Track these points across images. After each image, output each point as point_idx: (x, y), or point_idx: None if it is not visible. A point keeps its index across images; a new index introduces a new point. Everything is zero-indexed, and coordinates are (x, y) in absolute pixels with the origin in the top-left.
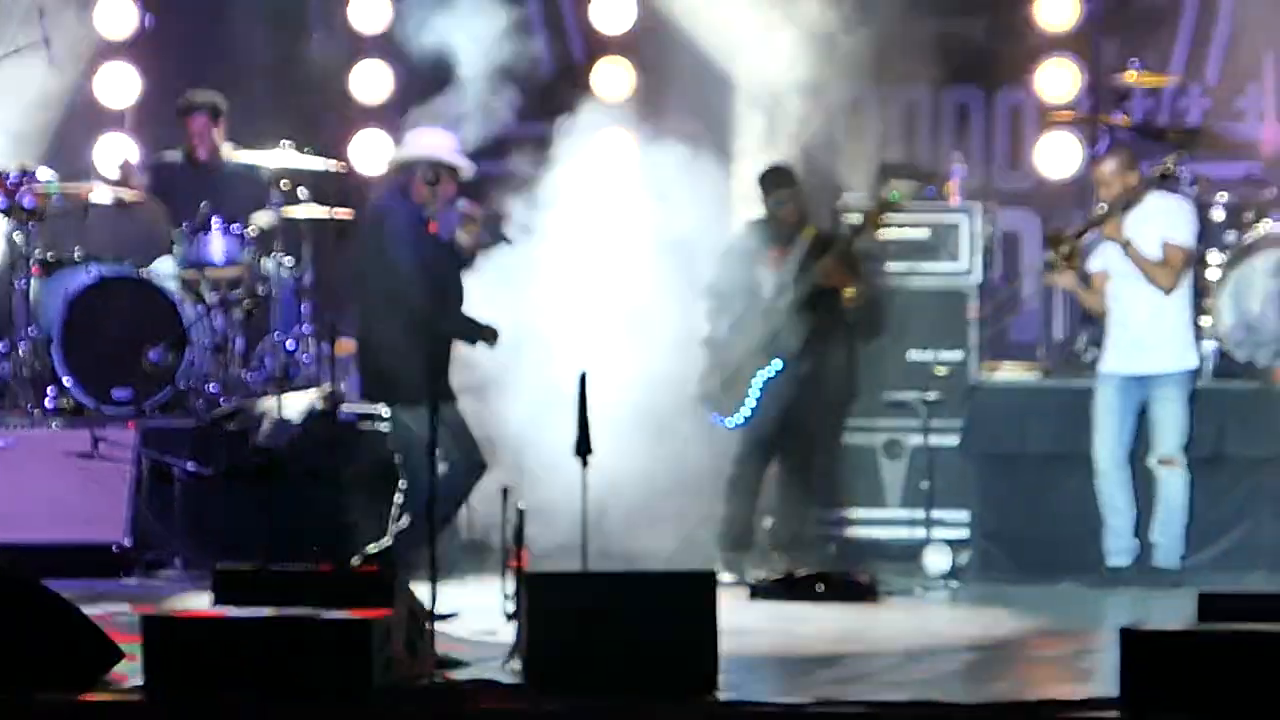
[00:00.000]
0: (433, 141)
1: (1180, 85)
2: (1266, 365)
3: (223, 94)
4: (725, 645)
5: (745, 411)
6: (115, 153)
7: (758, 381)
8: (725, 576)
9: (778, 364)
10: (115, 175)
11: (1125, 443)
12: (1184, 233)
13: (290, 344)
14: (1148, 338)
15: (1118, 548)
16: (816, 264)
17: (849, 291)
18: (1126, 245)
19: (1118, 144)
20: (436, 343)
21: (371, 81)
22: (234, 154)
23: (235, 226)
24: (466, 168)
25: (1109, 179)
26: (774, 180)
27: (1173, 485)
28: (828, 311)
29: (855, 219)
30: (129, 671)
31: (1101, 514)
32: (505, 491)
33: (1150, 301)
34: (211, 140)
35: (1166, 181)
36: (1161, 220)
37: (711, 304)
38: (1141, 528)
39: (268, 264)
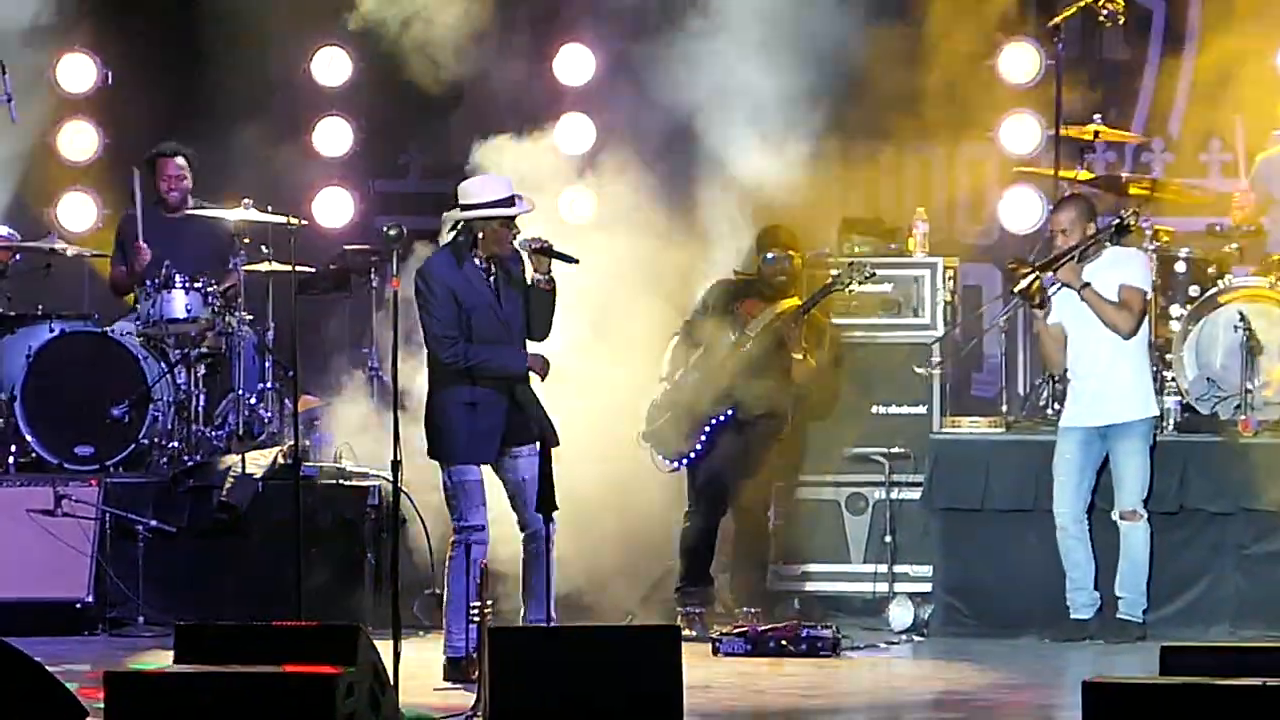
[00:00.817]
0: (482, 192)
1: (1143, 139)
2: (1229, 418)
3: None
4: (690, 701)
5: (690, 453)
6: (80, 210)
7: (706, 426)
8: (686, 632)
9: (728, 411)
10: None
11: (1085, 497)
12: (1140, 277)
13: (253, 400)
14: (1107, 389)
15: (1080, 601)
16: (780, 321)
17: (798, 356)
18: (1084, 288)
19: (1076, 193)
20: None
21: (333, 137)
22: (195, 209)
23: (199, 283)
24: (517, 211)
25: (1068, 227)
26: (770, 239)
27: (1134, 538)
28: (782, 367)
29: (827, 280)
30: None
31: (1064, 568)
32: (468, 548)
33: (1109, 352)
34: (184, 186)
35: (1124, 234)
36: (1118, 269)
37: (676, 344)
38: (1103, 581)
39: (230, 320)
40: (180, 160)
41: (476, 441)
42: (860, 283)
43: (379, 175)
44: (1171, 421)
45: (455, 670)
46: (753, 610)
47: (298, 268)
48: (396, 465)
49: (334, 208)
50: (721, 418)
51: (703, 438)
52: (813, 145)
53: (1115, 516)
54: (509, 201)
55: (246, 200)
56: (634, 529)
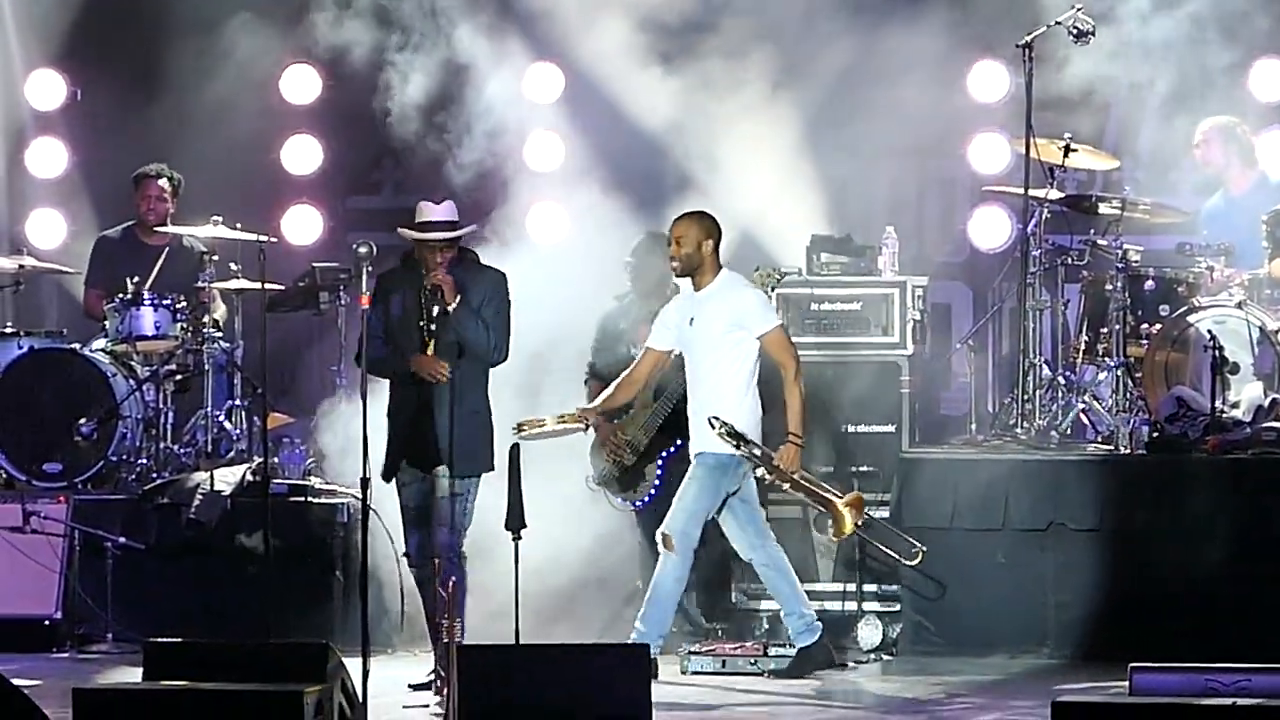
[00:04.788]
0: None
1: (1113, 159)
2: (1198, 438)
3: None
4: (658, 718)
5: (648, 491)
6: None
7: (657, 462)
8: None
9: (675, 443)
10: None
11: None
12: (767, 316)
13: (221, 417)
14: (700, 421)
15: (795, 629)
16: None
17: None
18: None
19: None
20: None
21: (301, 155)
22: (173, 230)
23: (167, 300)
24: (426, 238)
25: (683, 236)
26: (641, 244)
27: (663, 567)
28: None
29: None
30: None
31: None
32: (435, 563)
33: (706, 389)
34: (164, 209)
35: None
36: (731, 301)
37: (592, 385)
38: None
39: (199, 337)
40: (163, 183)
41: None
42: (771, 289)
43: (351, 192)
44: (1140, 441)
45: None
46: (720, 627)
47: (267, 285)
48: (365, 483)
49: (303, 225)
50: (671, 450)
51: (658, 473)
52: (783, 162)
53: (658, 535)
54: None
55: (216, 218)
56: (600, 547)
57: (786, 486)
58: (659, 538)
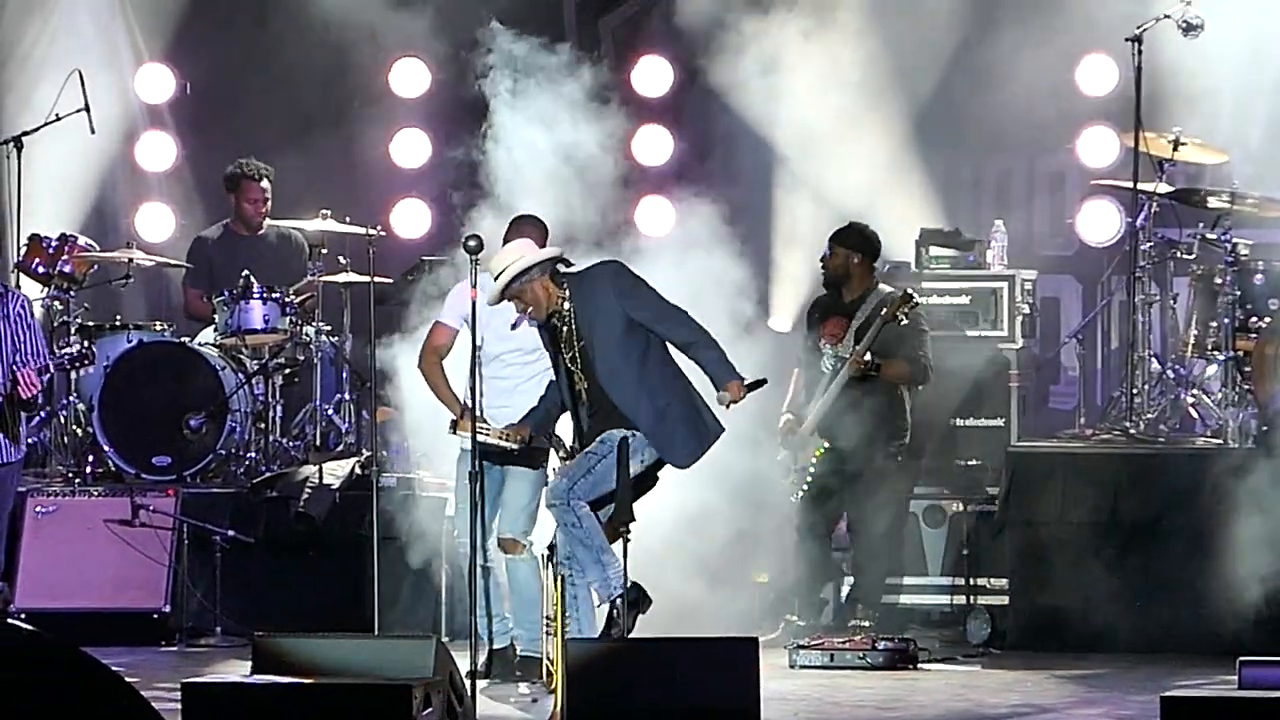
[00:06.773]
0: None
1: (1222, 151)
2: None
3: (263, 161)
4: (767, 713)
5: (805, 482)
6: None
7: (819, 454)
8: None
9: (835, 440)
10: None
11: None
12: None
13: (330, 411)
14: (505, 413)
15: (496, 630)
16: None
17: (893, 374)
18: None
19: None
20: None
21: (411, 148)
22: (273, 223)
23: (276, 293)
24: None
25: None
26: (832, 236)
27: (519, 575)
28: (877, 385)
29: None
30: None
31: None
32: (547, 555)
33: (513, 374)
34: (267, 209)
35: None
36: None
37: (798, 369)
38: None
39: (308, 331)
40: (264, 183)
41: None
42: (907, 313)
43: (460, 185)
44: (1249, 435)
45: None
46: (874, 613)
47: (375, 279)
48: (475, 477)
49: (412, 219)
50: (826, 445)
51: (814, 467)
52: (891, 155)
53: (493, 543)
54: None
55: (325, 211)
56: (738, 531)
57: None
58: (499, 544)
